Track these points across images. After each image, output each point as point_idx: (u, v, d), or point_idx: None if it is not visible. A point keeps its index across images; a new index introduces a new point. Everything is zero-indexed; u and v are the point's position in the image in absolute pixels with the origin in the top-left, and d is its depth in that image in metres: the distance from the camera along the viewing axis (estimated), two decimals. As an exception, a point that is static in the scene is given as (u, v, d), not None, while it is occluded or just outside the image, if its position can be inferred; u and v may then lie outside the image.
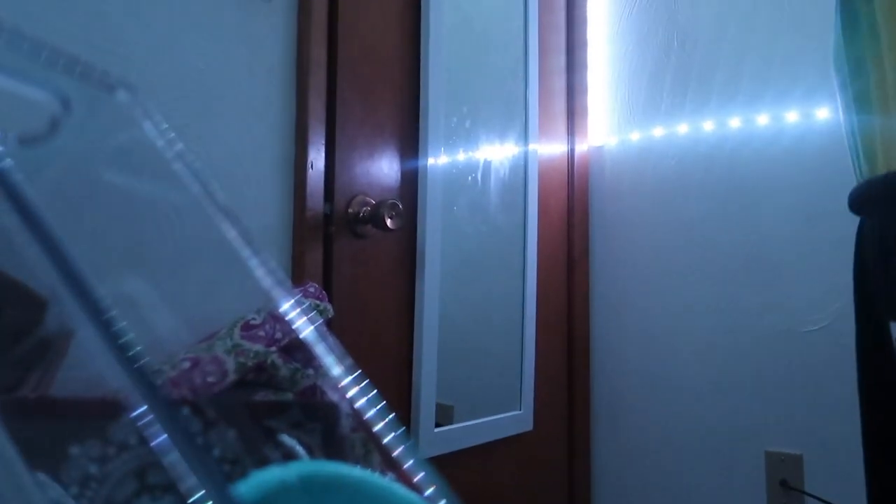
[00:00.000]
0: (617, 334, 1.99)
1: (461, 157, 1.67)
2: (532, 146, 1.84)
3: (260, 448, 0.57)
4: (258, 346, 0.82)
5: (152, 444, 0.29)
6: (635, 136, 2.01)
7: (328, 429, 0.62)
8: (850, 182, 0.95)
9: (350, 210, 1.33)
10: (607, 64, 2.07)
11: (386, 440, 0.40)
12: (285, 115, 1.23)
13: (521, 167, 1.84)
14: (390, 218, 1.31)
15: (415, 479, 0.39)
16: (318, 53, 1.28)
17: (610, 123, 2.08)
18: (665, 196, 1.92)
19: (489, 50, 1.85)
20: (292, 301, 0.45)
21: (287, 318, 0.44)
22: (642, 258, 1.94)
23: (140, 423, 0.28)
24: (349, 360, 0.43)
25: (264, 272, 0.43)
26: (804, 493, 1.61)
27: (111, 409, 0.50)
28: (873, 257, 0.93)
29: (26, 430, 0.48)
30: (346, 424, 0.67)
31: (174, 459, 0.28)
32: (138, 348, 0.29)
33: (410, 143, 1.49)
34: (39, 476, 0.46)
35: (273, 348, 0.83)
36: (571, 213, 2.03)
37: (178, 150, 0.48)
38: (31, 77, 0.46)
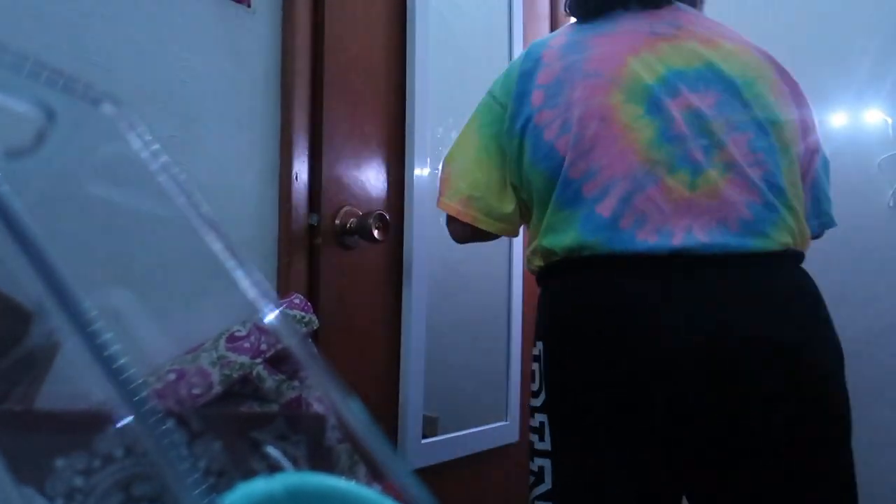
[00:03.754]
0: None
1: (447, 168, 1.67)
2: (517, 157, 1.84)
3: (246, 460, 0.57)
4: (243, 358, 0.82)
5: (138, 456, 0.29)
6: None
7: (314, 440, 0.62)
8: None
9: (337, 221, 1.33)
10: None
11: (372, 452, 0.40)
12: (270, 127, 1.23)
13: (507, 178, 1.85)
14: (377, 229, 1.31)
15: (401, 491, 0.39)
16: (303, 65, 1.28)
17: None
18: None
19: (474, 60, 1.86)
20: (277, 312, 0.45)
21: (272, 330, 0.44)
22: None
23: (125, 436, 0.28)
24: (335, 372, 0.43)
25: (249, 284, 0.44)
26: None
27: (97, 422, 0.50)
28: None
29: (11, 443, 0.48)
30: (331, 436, 0.67)
31: (160, 471, 0.28)
32: (124, 360, 0.29)
33: (397, 153, 1.50)
34: (25, 489, 0.46)
35: (258, 360, 0.83)
36: (557, 223, 2.03)
37: (163, 163, 0.48)
38: (15, 89, 0.46)
